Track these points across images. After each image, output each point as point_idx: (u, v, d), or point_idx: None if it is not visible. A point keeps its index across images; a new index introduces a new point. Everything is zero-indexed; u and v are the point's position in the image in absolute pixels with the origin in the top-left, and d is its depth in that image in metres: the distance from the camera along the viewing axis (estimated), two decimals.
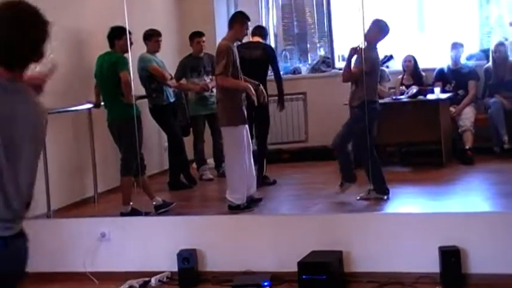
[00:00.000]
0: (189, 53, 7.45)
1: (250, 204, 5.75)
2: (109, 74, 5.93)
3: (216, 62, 5.72)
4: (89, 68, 6.45)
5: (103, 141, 6.54)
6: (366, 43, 5.73)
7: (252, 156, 5.91)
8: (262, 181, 6.65)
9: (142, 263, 5.28)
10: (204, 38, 7.37)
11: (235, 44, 5.89)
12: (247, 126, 5.86)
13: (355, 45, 5.75)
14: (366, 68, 5.66)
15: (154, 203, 6.01)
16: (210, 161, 7.59)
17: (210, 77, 7.31)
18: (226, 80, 5.65)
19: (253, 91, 5.75)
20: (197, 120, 7.45)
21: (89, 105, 6.44)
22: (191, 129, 7.51)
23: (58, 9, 6.35)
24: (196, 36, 7.38)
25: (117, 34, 6.00)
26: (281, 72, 8.94)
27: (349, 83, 7.69)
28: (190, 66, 7.35)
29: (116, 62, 5.91)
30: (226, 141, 5.84)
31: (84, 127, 6.55)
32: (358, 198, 5.73)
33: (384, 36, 5.81)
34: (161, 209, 5.94)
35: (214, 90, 7.26)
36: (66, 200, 6.27)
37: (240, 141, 5.67)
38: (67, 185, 6.33)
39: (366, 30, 5.73)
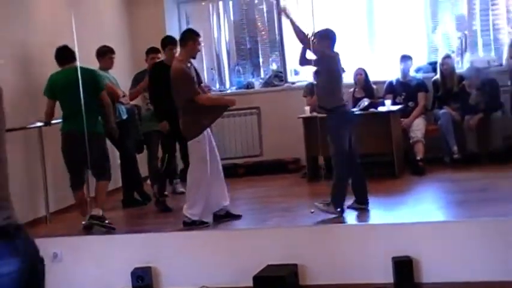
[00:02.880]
0: (143, 69, 7.41)
1: (223, 217, 5.80)
2: (92, 88, 6.11)
3: (178, 86, 5.68)
4: (38, 85, 6.35)
5: (54, 160, 6.44)
6: (316, 56, 5.72)
7: (221, 169, 5.91)
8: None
9: (96, 283, 5.21)
10: (159, 55, 7.33)
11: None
12: (213, 140, 5.87)
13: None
14: (327, 77, 5.66)
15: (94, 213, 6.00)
16: None
17: None
18: (207, 99, 5.78)
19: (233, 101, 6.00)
20: (151, 137, 7.39)
21: (40, 124, 6.35)
22: (145, 145, 7.45)
23: (5, 25, 6.32)
24: (151, 53, 7.35)
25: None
26: (234, 87, 9.05)
27: (303, 97, 7.81)
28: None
29: (96, 75, 6.28)
30: (191, 155, 5.82)
31: (34, 146, 6.43)
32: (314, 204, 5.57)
33: (332, 41, 5.69)
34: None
35: None
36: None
37: (203, 155, 5.66)
38: (17, 205, 6.18)
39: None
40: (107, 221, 5.85)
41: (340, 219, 5.44)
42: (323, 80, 5.75)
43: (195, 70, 6.10)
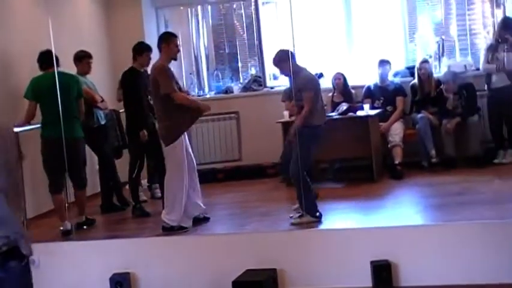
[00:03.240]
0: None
1: (202, 220, 5.84)
2: (74, 93, 6.15)
3: (157, 83, 5.64)
4: (15, 89, 6.30)
5: (32, 165, 6.38)
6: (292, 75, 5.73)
7: (196, 175, 5.90)
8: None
9: None
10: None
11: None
12: (190, 146, 5.84)
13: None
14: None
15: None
16: (144, 182, 7.48)
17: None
18: (184, 98, 5.71)
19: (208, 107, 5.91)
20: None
21: (18, 129, 6.28)
22: (125, 150, 7.40)
23: None
24: None
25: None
26: (213, 92, 9.04)
27: (282, 102, 7.82)
28: None
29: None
30: (168, 160, 5.81)
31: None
32: (291, 223, 5.59)
33: (294, 58, 5.76)
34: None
35: None
36: None
37: (180, 160, 5.64)
38: None
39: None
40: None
41: (318, 223, 5.46)
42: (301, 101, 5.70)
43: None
